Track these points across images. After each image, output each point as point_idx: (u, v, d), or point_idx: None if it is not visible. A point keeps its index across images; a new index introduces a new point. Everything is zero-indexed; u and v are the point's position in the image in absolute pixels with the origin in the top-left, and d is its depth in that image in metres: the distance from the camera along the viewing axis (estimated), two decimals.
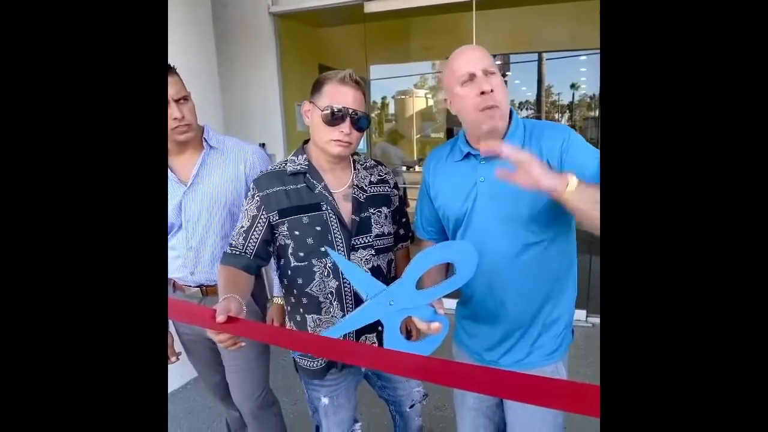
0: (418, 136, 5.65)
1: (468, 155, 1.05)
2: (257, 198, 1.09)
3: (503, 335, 1.08)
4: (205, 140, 1.32)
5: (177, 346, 1.46)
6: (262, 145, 3.34)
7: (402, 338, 0.90)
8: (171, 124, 1.19)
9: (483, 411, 1.19)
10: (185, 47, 2.28)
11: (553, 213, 0.97)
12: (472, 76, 0.96)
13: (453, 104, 1.03)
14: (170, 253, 1.33)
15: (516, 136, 1.01)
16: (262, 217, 1.09)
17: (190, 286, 1.37)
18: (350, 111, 1.04)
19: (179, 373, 2.39)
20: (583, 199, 0.79)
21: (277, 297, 1.46)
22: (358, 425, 1.32)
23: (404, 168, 4.76)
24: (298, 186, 1.09)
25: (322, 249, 1.07)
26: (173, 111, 1.18)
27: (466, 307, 1.15)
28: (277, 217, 1.08)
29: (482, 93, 0.95)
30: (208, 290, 1.36)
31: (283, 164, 1.12)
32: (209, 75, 2.54)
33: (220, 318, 0.84)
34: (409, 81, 5.60)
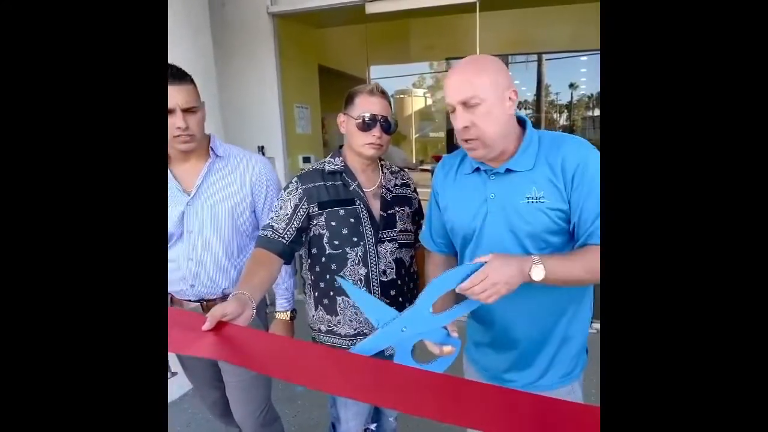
0: (417, 135, 5.61)
1: (477, 169, 1.01)
2: (300, 190, 1.20)
3: (517, 355, 1.04)
4: (212, 149, 1.29)
5: (174, 365, 1.40)
6: (261, 148, 3.28)
7: (414, 363, 0.88)
8: (174, 132, 1.17)
9: None
10: (179, 45, 2.20)
11: (565, 228, 0.94)
12: (452, 108, 0.93)
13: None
14: (169, 265, 1.28)
15: (527, 154, 0.95)
16: (303, 206, 1.19)
17: (190, 300, 1.31)
18: (379, 117, 1.18)
19: (177, 383, 2.32)
20: (557, 278, 0.86)
21: (281, 312, 1.40)
22: (374, 425, 1.34)
23: (405, 170, 4.73)
24: (336, 183, 1.21)
25: (354, 239, 1.19)
26: (178, 120, 1.15)
27: (478, 326, 1.11)
28: (316, 209, 1.19)
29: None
30: (209, 305, 1.30)
31: (321, 165, 1.25)
32: (205, 75, 2.47)
33: (207, 326, 0.80)
34: (408, 80, 5.56)
